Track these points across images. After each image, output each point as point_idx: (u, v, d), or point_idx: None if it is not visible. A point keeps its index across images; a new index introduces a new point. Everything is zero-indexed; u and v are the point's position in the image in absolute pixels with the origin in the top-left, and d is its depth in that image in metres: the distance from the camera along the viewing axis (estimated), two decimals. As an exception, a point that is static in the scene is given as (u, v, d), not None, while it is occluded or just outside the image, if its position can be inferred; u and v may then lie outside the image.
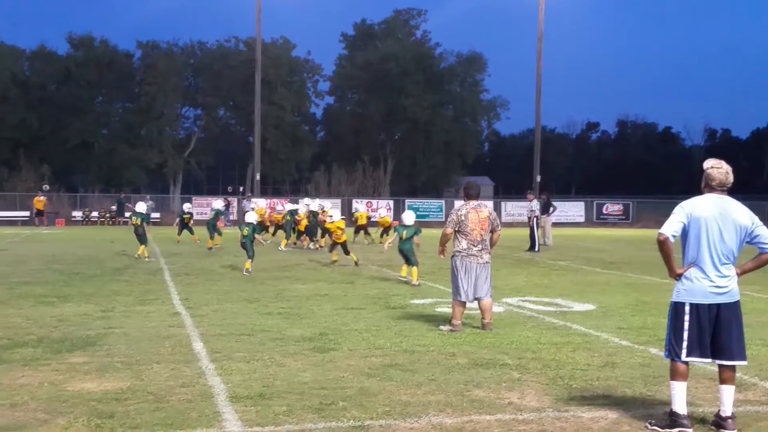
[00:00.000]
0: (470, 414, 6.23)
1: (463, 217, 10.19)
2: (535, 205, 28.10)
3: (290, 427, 5.82)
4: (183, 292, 13.96)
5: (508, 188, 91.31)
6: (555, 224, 33.45)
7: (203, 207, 46.93)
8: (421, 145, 73.41)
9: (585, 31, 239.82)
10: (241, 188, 62.94)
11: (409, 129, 73.83)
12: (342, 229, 19.52)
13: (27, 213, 46.68)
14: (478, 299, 10.17)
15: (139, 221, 21.73)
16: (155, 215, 49.65)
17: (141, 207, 22.61)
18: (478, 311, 10.38)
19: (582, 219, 53.86)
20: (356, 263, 19.24)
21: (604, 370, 7.80)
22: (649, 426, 5.95)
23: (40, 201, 44.56)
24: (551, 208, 29.99)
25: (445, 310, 11.78)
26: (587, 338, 9.57)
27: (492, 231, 10.38)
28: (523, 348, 8.89)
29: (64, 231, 39.88)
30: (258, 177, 55.23)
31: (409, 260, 15.84)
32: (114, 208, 49.88)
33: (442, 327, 10.17)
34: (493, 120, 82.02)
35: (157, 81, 69.17)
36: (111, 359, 8.05)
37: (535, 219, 27.32)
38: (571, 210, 54.10)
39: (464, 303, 10.16)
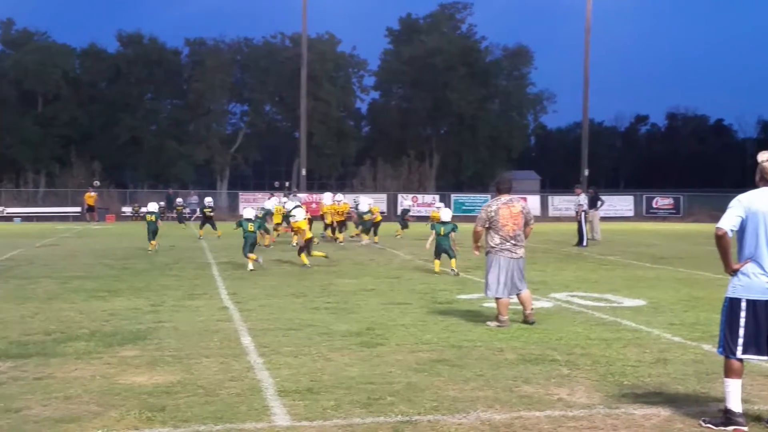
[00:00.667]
0: (519, 410, 6.17)
1: (493, 214, 10.13)
2: (583, 199, 27.72)
3: (338, 421, 5.82)
4: (231, 286, 14.06)
5: (555, 182, 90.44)
6: (603, 219, 33.05)
7: (250, 202, 47.20)
8: (466, 140, 73.07)
9: (634, 21, 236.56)
10: (288, 183, 63.29)
11: (455, 123, 73.56)
12: (303, 230, 18.53)
13: (78, 209, 47.45)
14: (517, 294, 10.14)
15: (153, 218, 23.00)
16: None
17: (153, 207, 23.87)
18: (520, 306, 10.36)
19: (631, 213, 53.14)
20: (326, 257, 18.61)
21: (655, 367, 7.67)
22: (703, 423, 5.84)
23: (90, 197, 45.28)
24: (599, 203, 29.63)
25: (492, 305, 11.67)
26: (638, 334, 9.43)
27: (525, 224, 10.27)
28: (572, 344, 8.79)
29: (114, 226, 40.52)
30: (304, 172, 55.52)
31: (448, 254, 16.33)
32: (162, 203, 50.53)
33: (489, 323, 10.11)
34: (540, 113, 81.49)
35: (205, 77, 69.83)
36: (161, 353, 8.14)
37: (582, 213, 26.96)
38: (620, 204, 53.40)
39: (500, 299, 10.03)
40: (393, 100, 79.51)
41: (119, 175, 70.71)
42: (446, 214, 17.25)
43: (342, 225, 26.50)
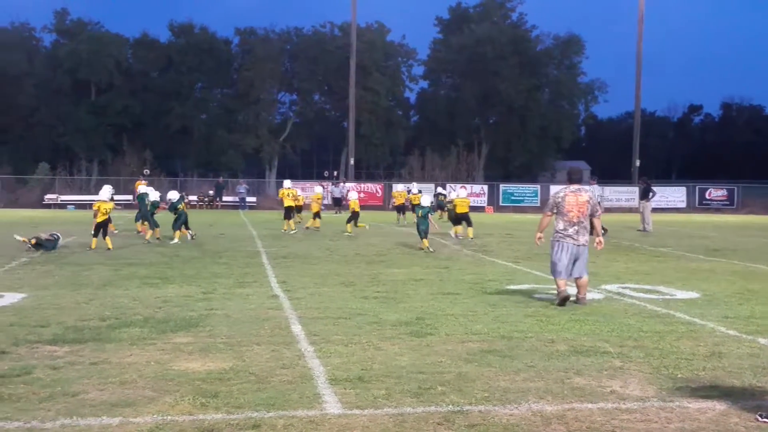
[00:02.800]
0: (571, 402, 6.12)
1: (560, 200, 10.78)
2: (597, 190, 27.67)
3: (389, 410, 5.83)
4: (280, 275, 14.16)
5: (606, 173, 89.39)
6: (655, 210, 32.62)
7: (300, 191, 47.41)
8: (516, 129, 72.54)
9: (687, 10, 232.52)
10: (336, 173, 63.56)
11: (504, 113, 73.06)
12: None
13: (130, 196, 48.15)
14: (577, 278, 10.74)
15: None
16: (251, 199, 50.68)
17: (173, 195, 22.81)
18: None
19: (683, 204, 52.35)
20: None
21: (710, 360, 7.55)
22: (760, 418, 5.73)
23: (141, 185, 45.83)
24: (651, 193, 29.25)
25: (543, 295, 11.64)
26: (692, 327, 9.29)
27: (591, 215, 10.85)
28: (624, 336, 8.69)
29: (164, 214, 40.96)
30: (352, 161, 55.70)
31: (421, 233, 19.49)
32: (211, 192, 51.08)
33: (556, 302, 10.74)
34: (591, 103, 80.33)
35: (255, 67, 70.32)
36: (213, 340, 8.22)
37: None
38: (672, 195, 52.63)
39: (563, 280, 10.70)
40: (442, 90, 79.23)
41: (170, 163, 71.57)
42: (425, 200, 20.77)
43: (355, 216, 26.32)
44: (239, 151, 71.46)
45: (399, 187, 34.30)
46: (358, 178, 60.98)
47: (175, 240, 20.99)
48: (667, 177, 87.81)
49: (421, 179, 55.00)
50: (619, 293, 12.15)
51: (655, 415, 5.84)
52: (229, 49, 75.84)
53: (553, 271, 10.84)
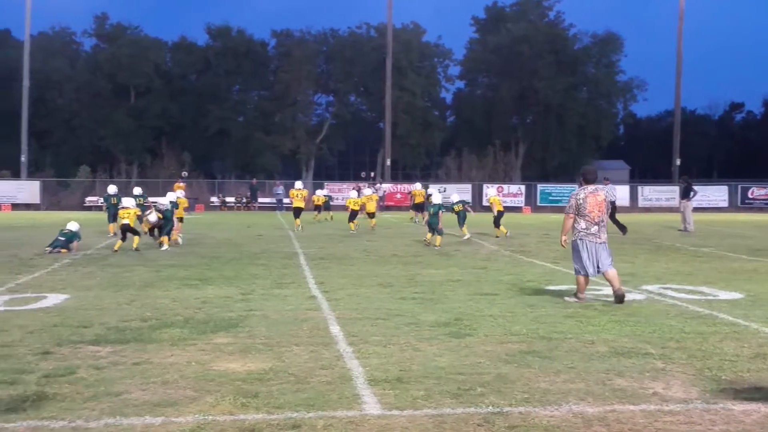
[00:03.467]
0: (613, 403, 6.06)
1: (581, 201, 11.08)
2: (610, 189, 27.53)
3: (429, 411, 5.82)
4: (318, 276, 14.20)
5: (645, 172, 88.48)
6: (696, 209, 32.20)
7: (335, 193, 47.65)
8: (553, 129, 72.11)
9: (728, 5, 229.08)
10: (372, 173, 63.65)
11: (542, 112, 72.66)
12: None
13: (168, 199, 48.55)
14: (603, 273, 10.94)
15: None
16: (288, 200, 50.89)
17: (73, 226, 20.50)
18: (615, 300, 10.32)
19: (725, 204, 51.62)
20: None
21: (755, 362, 7.43)
22: (807, 422, 5.63)
23: (179, 187, 46.24)
24: (692, 193, 28.87)
25: (582, 296, 11.53)
26: (735, 328, 9.15)
27: (607, 212, 11.26)
28: (666, 337, 8.59)
29: (202, 216, 41.38)
30: (388, 162, 55.75)
31: (435, 230, 20.52)
32: (249, 193, 51.42)
33: (567, 298, 11.11)
34: (630, 102, 79.60)
35: (291, 69, 70.69)
36: (253, 341, 8.27)
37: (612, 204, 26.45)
38: (714, 194, 51.90)
39: (587, 277, 11.01)
40: (478, 90, 79.02)
41: (208, 165, 72.23)
42: (436, 198, 22.06)
43: (355, 214, 27.16)
44: (276, 152, 71.89)
45: (418, 186, 35.65)
46: (395, 178, 60.99)
47: (165, 246, 19.63)
48: (708, 176, 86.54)
49: (458, 180, 54.94)
50: (660, 294, 12.01)
51: (698, 417, 5.76)
52: (265, 51, 76.33)
53: (579, 270, 11.06)
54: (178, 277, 13.94)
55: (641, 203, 51.68)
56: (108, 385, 6.45)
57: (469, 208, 23.93)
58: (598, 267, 10.94)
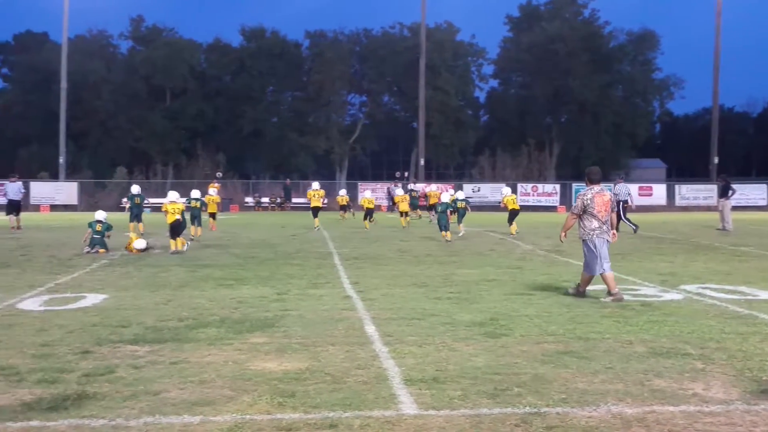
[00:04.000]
0: (652, 404, 6.00)
1: (588, 201, 11.31)
2: (620, 188, 27.55)
3: (466, 411, 5.80)
4: (352, 276, 14.22)
5: (682, 171, 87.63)
6: (735, 208, 31.76)
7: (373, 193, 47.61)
8: (588, 128, 71.57)
9: (766, 1, 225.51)
10: (406, 173, 63.63)
11: (576, 111, 72.18)
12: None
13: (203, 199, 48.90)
14: (604, 273, 11.17)
15: (198, 204, 23.10)
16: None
17: (196, 194, 23.82)
18: (656, 299, 10.48)
19: (764, 202, 50.88)
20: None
21: (796, 363, 7.31)
22: None
23: (214, 187, 46.58)
24: (730, 191, 28.48)
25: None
26: (776, 328, 9.02)
27: (612, 210, 11.51)
28: (705, 337, 8.48)
29: (237, 216, 41.65)
30: (422, 162, 55.68)
31: (444, 226, 22.25)
32: (282, 194, 51.68)
33: (569, 291, 11.68)
34: (666, 100, 78.77)
35: (325, 69, 70.92)
36: (289, 340, 8.30)
37: (622, 203, 26.65)
38: (752, 193, 51.19)
39: (593, 276, 11.34)
40: (512, 89, 78.68)
41: (242, 166, 72.69)
42: (444, 197, 24.29)
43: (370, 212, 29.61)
44: (310, 153, 72.16)
45: (432, 187, 37.76)
46: (428, 178, 60.92)
47: (184, 247, 19.47)
48: (746, 174, 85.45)
49: (492, 179, 54.77)
50: (699, 294, 11.86)
51: (739, 418, 5.68)
52: (299, 52, 76.64)
53: (597, 266, 11.19)
54: (214, 277, 14.04)
55: (678, 202, 51.15)
56: (146, 384, 6.51)
57: (468, 207, 26.55)
58: (602, 267, 11.20)
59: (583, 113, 71.55)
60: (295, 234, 25.80)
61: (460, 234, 24.11)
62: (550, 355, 7.57)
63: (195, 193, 24.10)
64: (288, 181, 55.10)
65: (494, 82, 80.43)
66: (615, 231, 11.57)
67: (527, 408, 5.86)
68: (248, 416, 5.64)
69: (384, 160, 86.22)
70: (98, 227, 19.44)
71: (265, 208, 50.48)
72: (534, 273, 14.72)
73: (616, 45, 74.63)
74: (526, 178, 56.04)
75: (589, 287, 12.36)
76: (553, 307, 10.56)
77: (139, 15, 77.31)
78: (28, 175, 50.87)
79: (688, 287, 12.54)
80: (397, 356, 7.53)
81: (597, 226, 11.25)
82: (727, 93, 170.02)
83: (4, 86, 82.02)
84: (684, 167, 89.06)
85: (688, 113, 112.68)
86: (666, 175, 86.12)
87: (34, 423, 5.51)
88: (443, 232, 22.29)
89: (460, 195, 26.74)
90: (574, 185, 52.42)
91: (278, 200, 51.06)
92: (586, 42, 71.30)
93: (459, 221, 25.27)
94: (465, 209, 25.87)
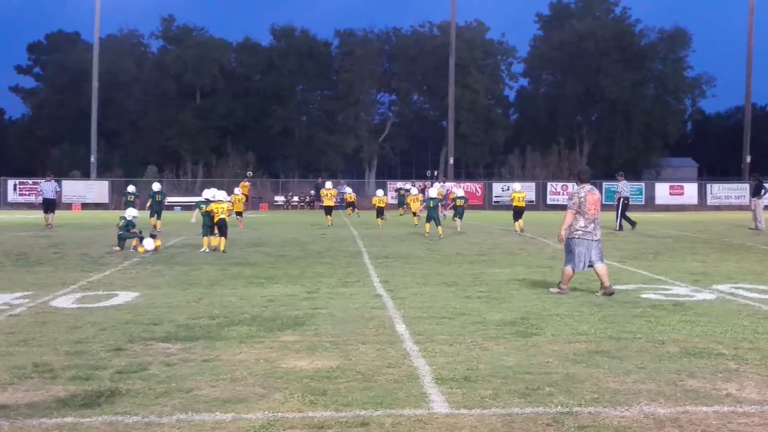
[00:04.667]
0: (685, 404, 5.94)
1: (582, 199, 11.56)
2: (623, 186, 27.45)
3: (497, 410, 5.78)
4: (382, 274, 14.22)
5: (713, 169, 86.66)
6: (767, 207, 31.38)
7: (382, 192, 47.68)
8: (619, 126, 71.09)
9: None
10: (435, 172, 63.53)
11: (607, 110, 71.75)
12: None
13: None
14: (591, 265, 11.49)
15: (121, 223, 19.84)
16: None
17: (129, 213, 20.29)
18: (688, 299, 10.39)
19: (797, 202, 50.21)
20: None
21: (833, 364, 7.21)
22: None
23: (245, 186, 46.83)
24: (762, 191, 28.13)
25: (651, 296, 11.35)
26: (811, 329, 8.89)
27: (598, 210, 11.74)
28: (738, 338, 8.39)
29: (267, 215, 41.84)
30: (451, 161, 55.60)
31: (435, 221, 23.33)
32: (312, 192, 51.80)
33: (551, 290, 11.80)
34: (698, 98, 78.12)
35: (354, 68, 71.03)
36: (319, 339, 8.32)
37: (621, 200, 27.19)
38: (785, 192, 50.52)
39: (574, 271, 11.57)
40: (542, 87, 78.37)
41: (271, 165, 73.02)
42: (433, 192, 26.37)
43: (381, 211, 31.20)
44: (339, 151, 72.29)
45: (437, 186, 37.84)
46: (458, 177, 60.82)
47: (204, 248, 19.22)
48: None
49: (522, 178, 54.53)
50: (731, 294, 11.73)
51: (774, 420, 5.61)
52: (329, 51, 76.84)
53: (570, 263, 11.54)
54: (244, 275, 14.10)
55: (710, 201, 50.66)
56: (179, 381, 6.55)
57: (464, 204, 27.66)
58: (589, 263, 11.49)
59: (613, 112, 71.07)
60: (324, 233, 25.86)
61: (458, 230, 25.72)
62: (582, 355, 7.53)
63: (129, 213, 20.60)
64: (320, 179, 55.27)
65: (524, 81, 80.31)
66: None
67: (559, 407, 5.83)
68: (280, 414, 5.66)
69: (413, 159, 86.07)
70: (120, 223, 19.54)
71: (295, 207, 50.65)
72: (564, 272, 14.60)
73: (648, 43, 74.05)
74: (556, 177, 55.75)
75: (619, 286, 12.30)
76: (583, 306, 10.50)
77: (169, 14, 78.22)
78: (60, 173, 51.42)
79: (720, 287, 12.41)
80: (427, 355, 7.52)
81: (582, 225, 11.49)
82: (760, 91, 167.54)
83: (36, 86, 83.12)
84: (716, 166, 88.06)
85: (720, 111, 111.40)
86: (697, 174, 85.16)
87: (69, 419, 5.57)
88: (427, 224, 23.56)
89: (459, 192, 28.23)
90: (605, 184, 52.05)
91: (307, 199, 51.21)
92: (617, 40, 70.80)
93: (456, 216, 26.92)
94: (463, 207, 27.11)
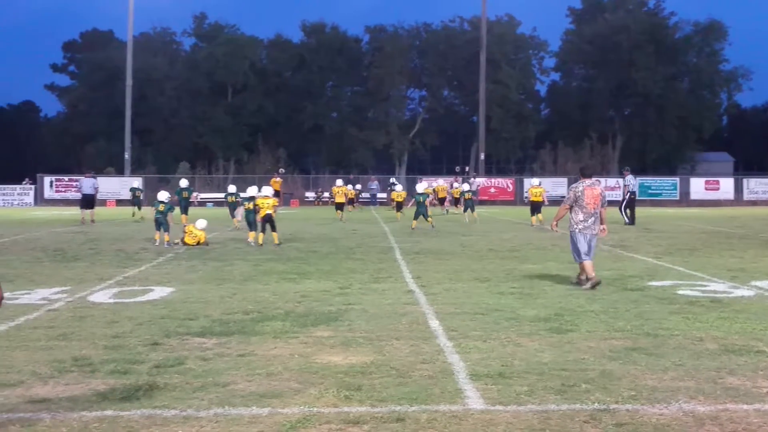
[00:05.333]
0: (725, 402, 5.87)
1: (579, 193, 11.95)
2: (629, 180, 28.36)
3: (533, 407, 5.75)
4: (414, 270, 14.21)
5: (750, 164, 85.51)
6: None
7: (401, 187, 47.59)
8: (653, 120, 70.36)
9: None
10: (466, 168, 63.36)
11: (640, 104, 71.02)
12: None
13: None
14: (581, 262, 11.92)
15: (162, 207, 19.94)
16: (381, 195, 51.06)
17: (163, 196, 20.60)
18: (726, 296, 10.38)
19: (835, 196, 49.48)
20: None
21: None
22: None
23: (276, 182, 47.04)
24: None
25: (687, 292, 11.23)
26: None
27: (601, 205, 12.02)
28: (778, 335, 8.27)
29: (298, 211, 41.98)
30: (482, 156, 55.42)
31: (423, 215, 24.83)
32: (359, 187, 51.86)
33: (583, 287, 11.74)
34: (734, 91, 77.01)
35: (384, 64, 70.99)
36: (353, 334, 8.33)
37: (629, 195, 27.88)
38: (824, 187, 49.80)
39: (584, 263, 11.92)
40: (574, 81, 77.80)
41: (302, 161, 73.22)
42: (420, 188, 26.97)
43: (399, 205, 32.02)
44: (369, 147, 72.30)
45: (439, 182, 39.97)
46: (489, 172, 60.58)
47: (249, 241, 19.72)
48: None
49: (554, 173, 54.23)
50: (769, 290, 11.57)
51: (817, 418, 5.53)
52: (359, 47, 76.87)
53: (578, 256, 11.94)
54: (277, 271, 14.16)
55: (747, 196, 50.04)
56: (215, 375, 6.59)
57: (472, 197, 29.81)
58: (585, 254, 11.88)
59: (647, 106, 70.36)
60: (355, 229, 25.89)
61: (470, 221, 28.11)
62: (618, 352, 7.47)
63: (161, 195, 20.85)
64: (351, 176, 55.33)
65: (555, 75, 79.75)
66: (604, 225, 12.19)
67: (596, 404, 5.79)
68: (315, 409, 5.68)
69: (444, 155, 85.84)
70: (161, 207, 19.86)
71: (325, 203, 50.75)
72: (598, 268, 14.39)
73: (682, 36, 73.20)
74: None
75: (655, 282, 12.20)
76: (618, 303, 10.41)
77: (201, 12, 78.45)
78: (95, 170, 51.92)
79: (758, 283, 12.24)
80: (461, 351, 7.50)
81: (582, 219, 11.89)
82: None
83: (71, 83, 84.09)
84: (752, 161, 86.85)
85: (756, 105, 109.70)
86: (733, 169, 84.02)
87: (108, 412, 5.63)
88: (414, 220, 24.88)
89: (466, 187, 31.17)
90: (639, 179, 51.65)
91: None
92: (650, 33, 70.06)
93: (466, 209, 29.06)
94: (472, 200, 29.37)
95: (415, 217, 24.79)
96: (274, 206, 19.96)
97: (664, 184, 51.92)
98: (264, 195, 20.11)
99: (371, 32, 76.29)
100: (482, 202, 50.38)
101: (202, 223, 20.03)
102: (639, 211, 41.87)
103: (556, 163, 59.18)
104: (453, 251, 18.00)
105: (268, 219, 19.49)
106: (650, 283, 12.36)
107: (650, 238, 21.51)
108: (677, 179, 53.50)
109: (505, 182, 53.31)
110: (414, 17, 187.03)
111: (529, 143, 74.71)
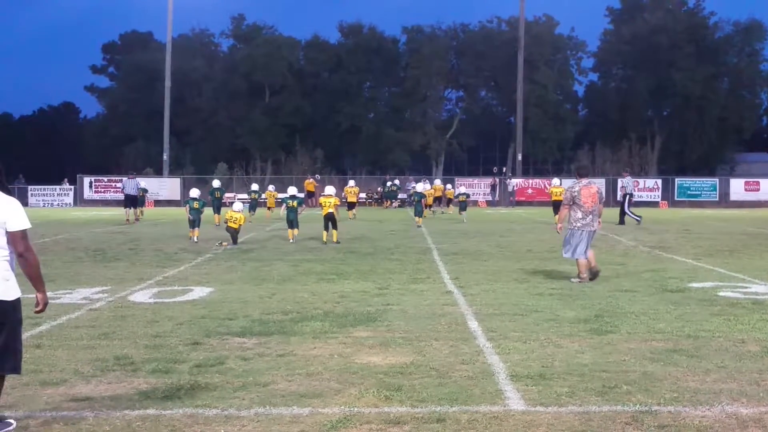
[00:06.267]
0: (768, 405, 5.80)
1: (576, 193, 12.61)
2: (627, 181, 28.72)
3: (574, 408, 5.73)
4: (452, 271, 14.20)
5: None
6: None
7: (468, 188, 47.46)
8: (692, 121, 69.42)
9: None
10: (504, 169, 63.08)
11: (680, 104, 70.10)
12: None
13: (302, 195, 49.62)
14: (576, 258, 12.58)
15: (197, 205, 20.79)
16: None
17: (195, 193, 21.82)
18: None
19: None
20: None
21: None
22: None
23: (310, 183, 47.25)
24: None
25: (729, 294, 11.10)
26: None
27: (599, 201, 12.73)
28: (823, 338, 8.14)
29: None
30: (519, 157, 55.18)
31: (419, 213, 27.61)
32: (380, 189, 51.90)
33: (573, 279, 12.53)
34: (774, 91, 75.74)
35: (421, 64, 70.85)
36: (392, 335, 8.35)
37: (628, 197, 28.08)
38: None
39: (587, 260, 12.54)
40: (612, 82, 77.02)
41: (339, 162, 73.32)
42: (420, 187, 30.23)
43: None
44: (406, 148, 72.21)
45: (437, 182, 41.36)
46: (526, 173, 60.27)
47: (290, 240, 20.76)
48: None
49: (592, 174, 53.67)
50: (813, 292, 11.39)
51: None
52: (396, 47, 76.83)
53: (574, 253, 12.55)
54: (315, 271, 14.22)
55: (789, 198, 49.22)
56: (255, 375, 6.65)
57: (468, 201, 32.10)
58: (586, 251, 12.49)
59: (686, 106, 69.45)
60: (393, 230, 25.92)
61: (464, 222, 29.28)
62: (659, 353, 7.41)
63: (194, 192, 22.18)
64: (387, 176, 55.36)
65: (594, 76, 78.98)
66: (600, 219, 12.85)
67: (637, 406, 5.75)
68: (356, 409, 5.70)
69: (480, 156, 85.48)
70: (195, 204, 20.30)
71: (362, 204, 50.81)
72: (637, 269, 14.39)
73: (722, 36, 72.18)
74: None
75: (696, 284, 12.08)
76: (659, 304, 10.32)
77: (240, 14, 78.88)
78: (134, 171, 52.59)
79: (802, 285, 12.06)
80: (501, 352, 7.49)
81: (581, 217, 12.51)
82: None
83: (110, 85, 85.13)
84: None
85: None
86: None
87: (151, 411, 5.70)
88: (417, 218, 27.21)
89: (462, 189, 34.37)
90: (677, 180, 51.11)
91: (375, 196, 51.33)
92: (690, 33, 69.19)
93: (461, 210, 31.02)
94: (465, 202, 31.54)
95: (416, 214, 27.51)
96: (335, 205, 20.56)
97: (704, 185, 51.27)
98: (327, 194, 20.81)
99: (408, 33, 76.23)
100: (519, 203, 50.18)
101: (238, 206, 20.59)
102: (678, 211, 41.49)
103: (594, 164, 58.56)
104: (491, 252, 17.95)
105: (330, 217, 20.20)
106: (691, 285, 12.23)
107: (690, 240, 21.27)
108: (717, 180, 52.80)
109: (543, 183, 52.98)
110: (451, 17, 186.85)
111: (567, 144, 74.10)
